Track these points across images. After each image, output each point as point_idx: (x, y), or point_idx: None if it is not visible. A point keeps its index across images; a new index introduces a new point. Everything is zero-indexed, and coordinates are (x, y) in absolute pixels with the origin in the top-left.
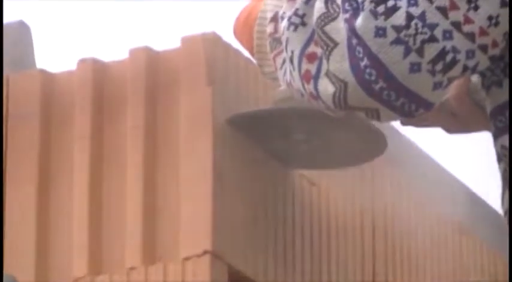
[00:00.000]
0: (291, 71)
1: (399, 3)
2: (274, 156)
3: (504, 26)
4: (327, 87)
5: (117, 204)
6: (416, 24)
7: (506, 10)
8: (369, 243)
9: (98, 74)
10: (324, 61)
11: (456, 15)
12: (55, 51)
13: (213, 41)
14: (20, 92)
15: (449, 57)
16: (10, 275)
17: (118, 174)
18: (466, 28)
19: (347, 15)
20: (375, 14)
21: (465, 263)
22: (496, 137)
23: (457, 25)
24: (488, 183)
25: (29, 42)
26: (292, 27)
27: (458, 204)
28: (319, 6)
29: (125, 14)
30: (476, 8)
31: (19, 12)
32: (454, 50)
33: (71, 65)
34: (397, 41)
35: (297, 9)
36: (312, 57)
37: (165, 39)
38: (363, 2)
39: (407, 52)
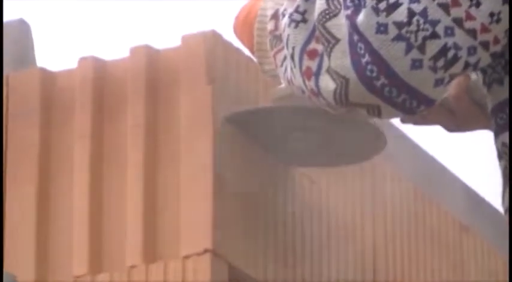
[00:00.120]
0: (291, 68)
1: (401, 0)
2: (274, 154)
3: (506, 22)
4: (328, 84)
5: (118, 203)
6: (418, 21)
7: (508, 7)
8: (370, 241)
9: (98, 72)
10: (325, 58)
11: (458, 12)
12: (55, 50)
13: (213, 40)
14: (20, 90)
15: (450, 54)
16: (10, 274)
17: (118, 173)
18: (468, 25)
19: (348, 12)
20: (376, 11)
21: (465, 261)
22: (496, 135)
23: (458, 22)
24: (489, 181)
25: (29, 41)
26: (293, 24)
27: (459, 202)
28: (320, 3)
29: (125, 13)
30: (478, 4)
31: (19, 10)
32: (456, 46)
33: (72, 64)
34: (398, 38)
35: (298, 6)
36: (313, 54)
37: (166, 38)
38: None
39: (408, 48)
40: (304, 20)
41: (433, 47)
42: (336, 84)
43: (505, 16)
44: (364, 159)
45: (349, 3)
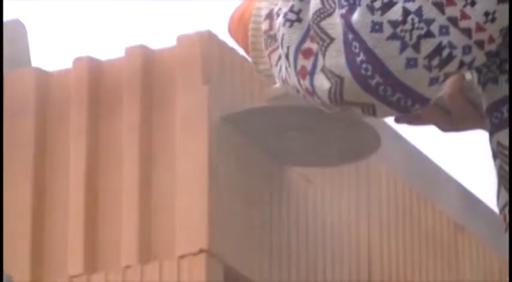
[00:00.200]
0: (286, 67)
1: None
2: (269, 154)
3: (501, 22)
4: (322, 83)
5: (113, 203)
6: (412, 20)
7: (503, 6)
8: (365, 241)
9: (93, 72)
10: (320, 57)
11: (453, 11)
12: (51, 50)
13: (208, 40)
14: (15, 90)
15: (445, 53)
16: (6, 274)
17: (114, 173)
18: (463, 24)
19: (343, 11)
20: (371, 9)
21: (460, 260)
22: (491, 134)
23: (453, 21)
24: (484, 180)
25: (25, 41)
26: (288, 24)
27: (454, 202)
28: (314, 2)
29: (120, 13)
30: (472, 3)
31: (15, 10)
32: (451, 45)
33: (67, 64)
34: (393, 36)
35: (292, 6)
36: (307, 53)
37: (161, 38)
38: None
39: (403, 47)
40: (299, 20)
41: (427, 46)
42: (331, 83)
43: (500, 15)
44: (359, 158)
45: (343, 2)
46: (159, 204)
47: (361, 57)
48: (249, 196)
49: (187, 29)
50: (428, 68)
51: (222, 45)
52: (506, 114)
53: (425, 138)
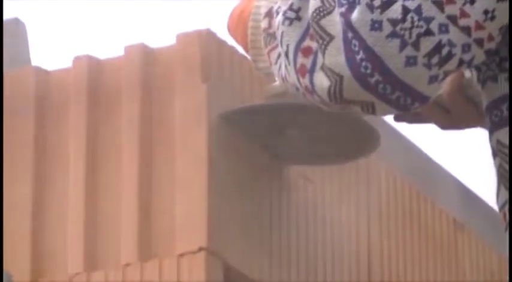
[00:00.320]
0: (286, 66)
1: None
2: (268, 152)
3: (500, 20)
4: (322, 81)
5: (113, 201)
6: (412, 18)
7: (503, 4)
8: (364, 239)
9: (93, 71)
10: (320, 55)
11: (452, 9)
12: (50, 49)
13: (207, 38)
14: (14, 89)
15: (445, 51)
16: (6, 272)
17: (113, 171)
18: (462, 22)
19: (343, 9)
20: (370, 8)
21: (460, 258)
22: (491, 132)
23: (453, 19)
24: (484, 178)
25: (24, 40)
26: (287, 22)
27: (454, 200)
28: (314, 1)
29: (120, 12)
30: (472, 1)
31: (14, 9)
32: (450, 43)
33: (66, 62)
34: (393, 35)
35: (292, 4)
36: (307, 52)
37: (160, 36)
38: None
39: (403, 45)
40: (298, 18)
41: (427, 44)
42: (331, 81)
43: (499, 13)
44: (359, 157)
45: (343, 1)
46: (158, 203)
47: (361, 55)
48: (248, 194)
49: (187, 27)
50: (428, 66)
51: (222, 43)
52: (506, 113)
53: (425, 137)
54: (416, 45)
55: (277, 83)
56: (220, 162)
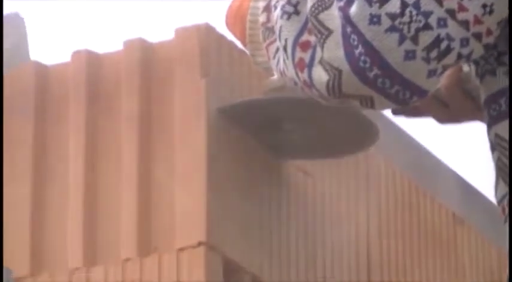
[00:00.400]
0: (284, 60)
1: None
2: (267, 146)
3: (498, 14)
4: (321, 76)
5: (112, 196)
6: (410, 12)
7: None
8: (363, 234)
9: (92, 65)
10: (318, 49)
11: (450, 3)
12: (49, 43)
13: (206, 33)
14: (14, 84)
15: (443, 45)
16: (6, 267)
17: (112, 166)
18: (461, 16)
19: (341, 3)
20: (369, 2)
21: (459, 253)
22: (489, 126)
23: (451, 13)
24: (483, 172)
25: (23, 34)
26: (285, 16)
27: (453, 195)
28: None
29: (119, 6)
30: None
31: (13, 4)
32: (449, 37)
33: (65, 57)
34: (391, 29)
35: None
36: (305, 46)
37: (159, 31)
38: None
39: (402, 40)
40: (297, 12)
41: (426, 38)
42: (329, 75)
43: (497, 8)
44: (357, 151)
45: None
46: (158, 198)
47: (360, 49)
48: (247, 188)
49: (186, 22)
50: (427, 60)
51: (220, 38)
52: (504, 107)
53: (425, 131)
54: (415, 40)
55: (276, 77)
56: (219, 156)
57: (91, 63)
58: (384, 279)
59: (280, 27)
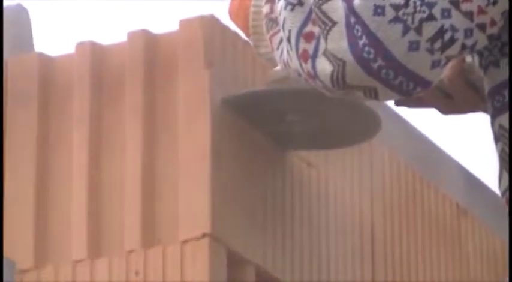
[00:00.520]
0: (288, 51)
1: None
2: (271, 137)
3: (502, 5)
4: (324, 67)
5: (116, 187)
6: (414, 3)
7: None
8: (368, 224)
9: (96, 57)
10: (322, 40)
11: None
12: (53, 34)
13: (210, 24)
14: (18, 75)
15: (447, 36)
16: (10, 259)
17: (117, 157)
18: (465, 6)
19: None
20: None
21: (463, 243)
22: (493, 117)
23: (455, 3)
24: (487, 163)
25: (27, 25)
26: (289, 7)
27: (457, 185)
28: None
29: None
30: None
31: None
32: (453, 28)
33: (69, 48)
34: (395, 20)
35: None
36: (309, 37)
37: (163, 22)
38: None
39: (406, 30)
40: (300, 3)
41: (429, 29)
42: (333, 66)
43: None
44: (359, 141)
45: None
46: (162, 189)
47: (364, 40)
48: (251, 180)
49: (190, 13)
50: (431, 51)
51: (225, 29)
52: (508, 98)
53: (429, 122)
54: (419, 30)
55: (279, 68)
56: (223, 147)
57: (95, 55)
58: (387, 269)
59: (284, 18)
